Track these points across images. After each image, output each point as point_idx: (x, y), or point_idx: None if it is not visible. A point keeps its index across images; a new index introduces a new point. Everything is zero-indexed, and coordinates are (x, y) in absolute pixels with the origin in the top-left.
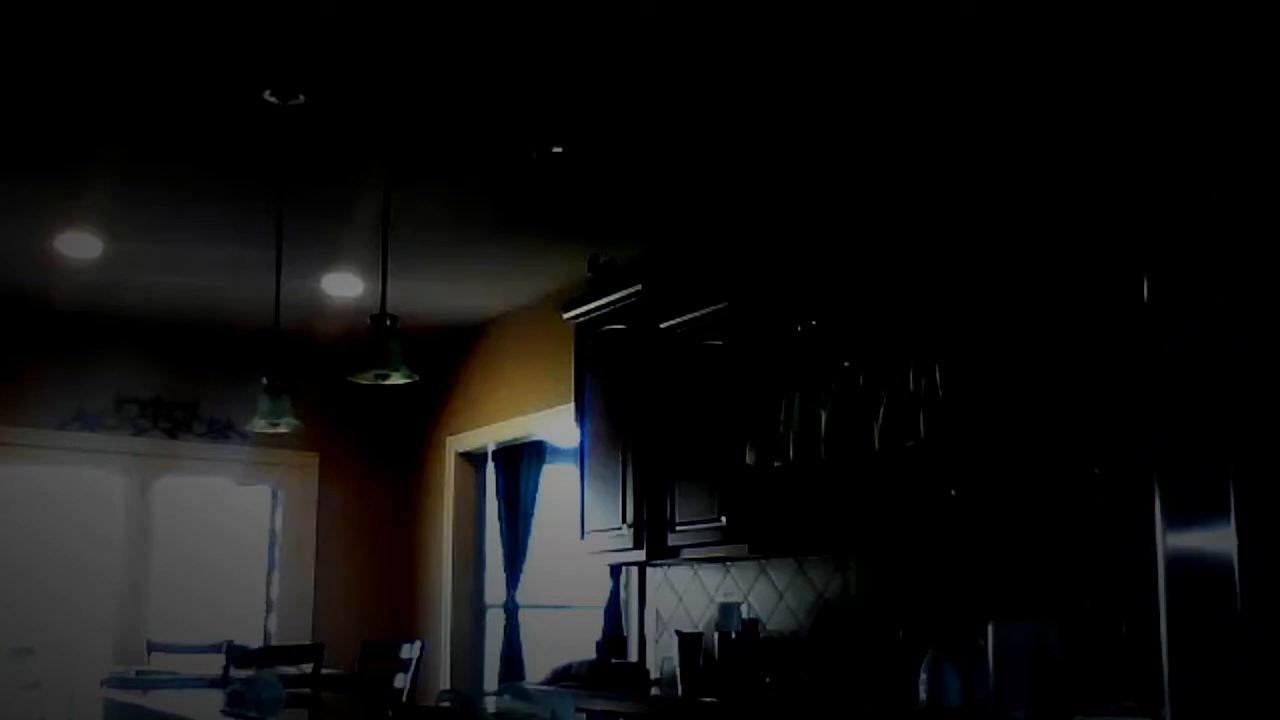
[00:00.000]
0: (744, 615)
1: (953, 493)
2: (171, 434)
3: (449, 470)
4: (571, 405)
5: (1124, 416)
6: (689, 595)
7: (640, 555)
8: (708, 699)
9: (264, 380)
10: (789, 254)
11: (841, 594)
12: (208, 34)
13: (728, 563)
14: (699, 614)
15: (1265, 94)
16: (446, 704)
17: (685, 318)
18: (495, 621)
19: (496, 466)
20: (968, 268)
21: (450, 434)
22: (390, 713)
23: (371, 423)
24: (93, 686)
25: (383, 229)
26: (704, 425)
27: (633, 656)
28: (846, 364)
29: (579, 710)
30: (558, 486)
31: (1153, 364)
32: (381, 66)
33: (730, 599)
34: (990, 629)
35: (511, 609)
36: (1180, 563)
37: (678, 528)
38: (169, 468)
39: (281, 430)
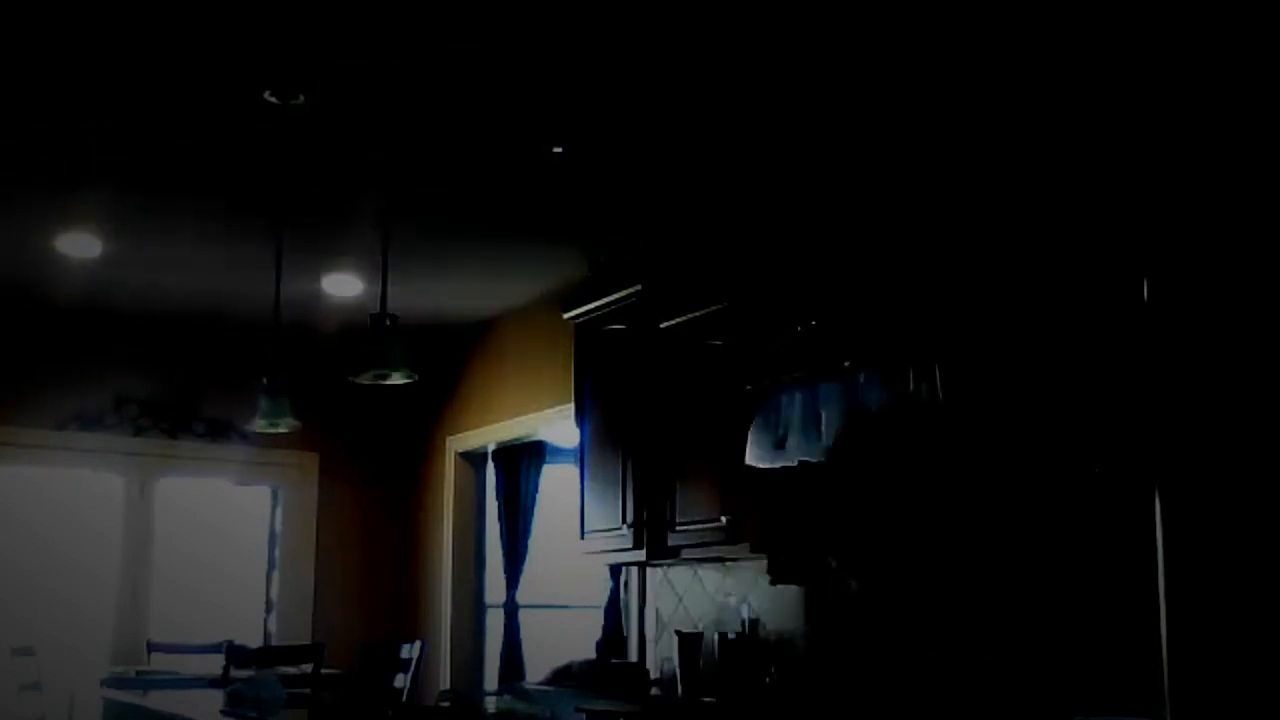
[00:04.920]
0: (744, 615)
1: (953, 493)
2: (171, 434)
3: (449, 470)
4: (571, 405)
5: (1124, 417)
6: (689, 595)
7: (640, 555)
8: (708, 699)
9: (264, 380)
10: (789, 254)
11: (841, 594)
12: (208, 34)
13: (728, 563)
14: (699, 614)
15: (1265, 94)
16: (446, 704)
17: (685, 318)
18: (495, 621)
19: (496, 466)
20: (968, 268)
21: (450, 434)
22: (390, 713)
23: (371, 423)
24: (93, 686)
25: (383, 229)
26: (704, 425)
27: (633, 656)
28: (846, 364)
29: (579, 710)
30: (558, 486)
31: (1153, 364)
32: (381, 66)
33: (730, 599)
34: (990, 629)
35: (511, 609)
36: (1180, 562)
37: (678, 528)
38: (169, 468)
39: (281, 430)
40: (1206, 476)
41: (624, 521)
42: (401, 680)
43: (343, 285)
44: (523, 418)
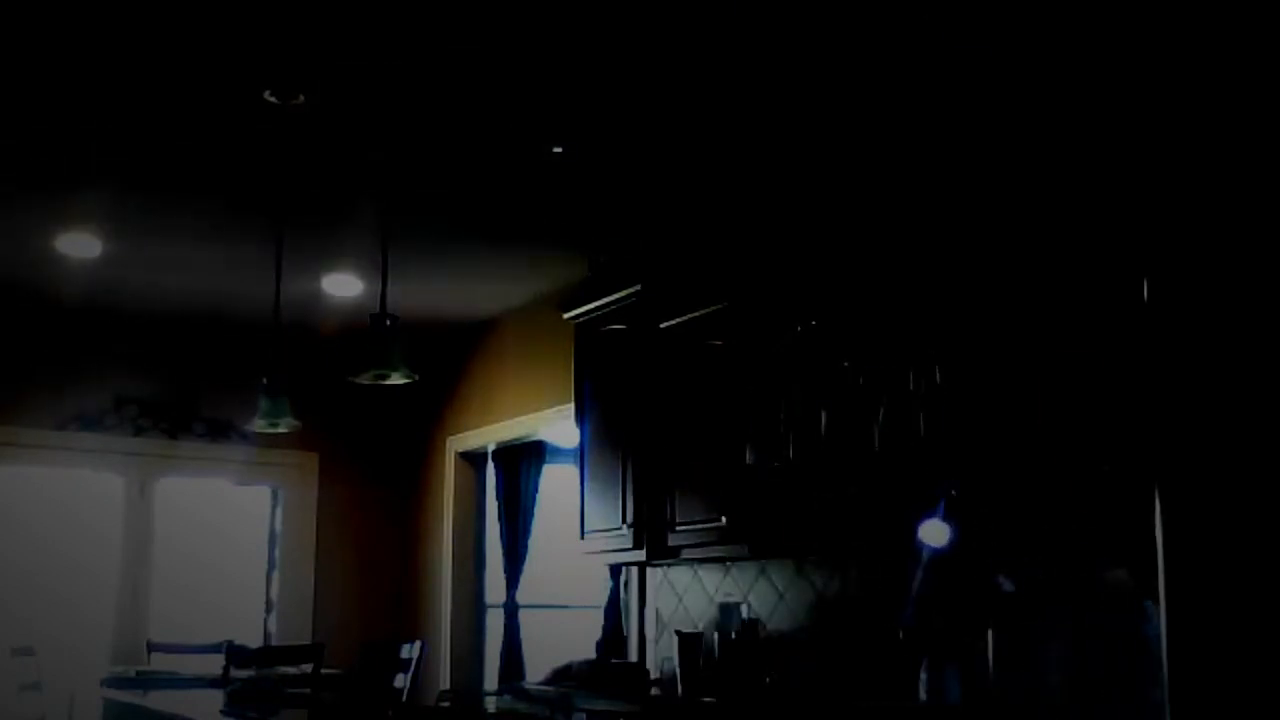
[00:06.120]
0: (744, 615)
1: (953, 493)
2: (171, 434)
3: (449, 470)
4: (571, 405)
5: (1131, 415)
6: (689, 595)
7: (640, 555)
8: (708, 699)
9: (264, 380)
10: (789, 254)
11: (841, 594)
12: (208, 34)
13: (728, 563)
14: (699, 614)
15: (1265, 94)
16: (446, 704)
17: (685, 318)
18: (495, 621)
19: (496, 466)
20: (968, 268)
21: (450, 434)
22: (390, 713)
23: (371, 423)
24: (93, 686)
25: (383, 229)
26: (704, 425)
27: (633, 656)
28: (846, 364)
29: (579, 710)
30: (558, 486)
31: (1152, 363)
32: (381, 66)
33: (730, 599)
34: (991, 628)
35: (511, 609)
36: (1181, 562)
37: (678, 528)
38: (169, 468)
39: (281, 430)
40: (1206, 475)
41: (624, 521)
42: (401, 680)
43: (343, 285)
44: (523, 418)
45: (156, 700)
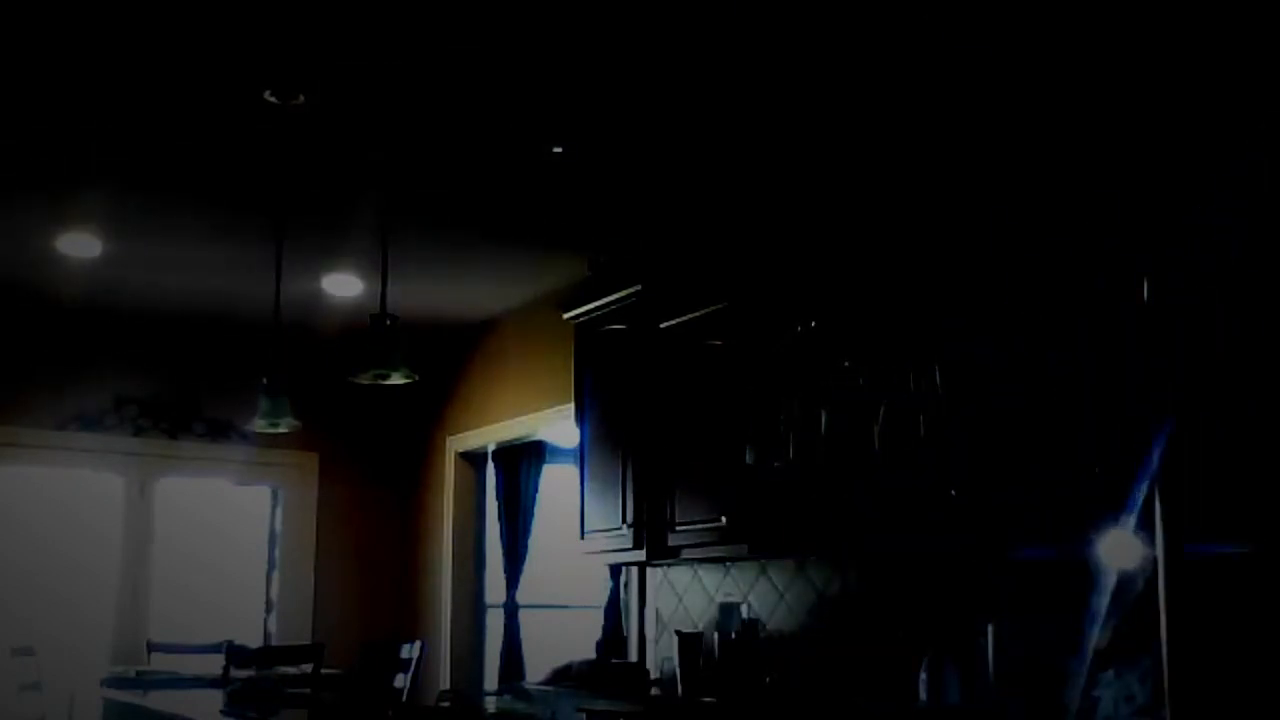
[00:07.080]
0: (744, 615)
1: (953, 493)
2: (171, 434)
3: (449, 470)
4: (571, 405)
5: (1126, 417)
6: (689, 595)
7: (640, 555)
8: (708, 699)
9: (264, 380)
10: (789, 254)
11: (841, 594)
12: (208, 34)
13: (728, 563)
14: (699, 614)
15: (1265, 94)
16: (446, 704)
17: (685, 318)
18: (495, 621)
19: (496, 466)
20: (968, 268)
21: (450, 434)
22: (390, 713)
23: (371, 423)
24: (93, 686)
25: (383, 229)
26: (704, 425)
27: (633, 656)
28: (846, 364)
29: (579, 710)
30: (558, 486)
31: (1152, 364)
32: (381, 66)
33: (730, 599)
34: (990, 629)
35: (511, 609)
36: (1181, 564)
37: (678, 528)
38: (169, 468)
39: (281, 430)
40: (1207, 476)
41: (624, 521)
42: (401, 680)
43: (343, 285)
44: (523, 418)
45: (156, 700)
